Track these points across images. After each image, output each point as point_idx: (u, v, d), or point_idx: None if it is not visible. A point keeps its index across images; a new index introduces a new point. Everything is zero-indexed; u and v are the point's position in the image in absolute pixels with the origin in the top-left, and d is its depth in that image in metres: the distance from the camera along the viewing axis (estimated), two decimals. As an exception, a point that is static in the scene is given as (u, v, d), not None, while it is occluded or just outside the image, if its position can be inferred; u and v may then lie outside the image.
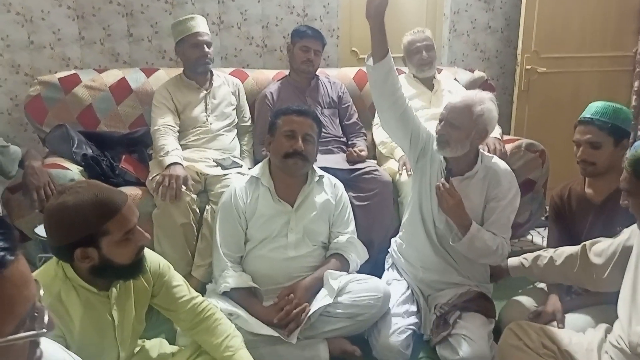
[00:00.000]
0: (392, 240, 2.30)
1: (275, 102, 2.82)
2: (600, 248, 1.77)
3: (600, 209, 1.97)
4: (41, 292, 0.77)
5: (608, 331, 1.66)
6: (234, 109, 2.84)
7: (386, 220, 2.52)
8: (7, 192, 2.31)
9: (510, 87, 3.78)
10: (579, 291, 2.00)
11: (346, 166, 2.58)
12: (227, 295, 1.98)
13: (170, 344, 1.74)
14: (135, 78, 2.95)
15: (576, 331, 1.75)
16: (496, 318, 2.02)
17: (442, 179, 1.93)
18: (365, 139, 2.95)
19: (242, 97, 2.92)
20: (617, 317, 1.63)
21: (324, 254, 2.13)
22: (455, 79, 3.19)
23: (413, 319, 2.00)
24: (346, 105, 2.97)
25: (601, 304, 1.86)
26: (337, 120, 2.93)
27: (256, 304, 1.98)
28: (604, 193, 1.96)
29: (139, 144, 2.73)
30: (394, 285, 2.09)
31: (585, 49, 3.64)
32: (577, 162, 2.00)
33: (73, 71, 2.94)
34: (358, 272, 2.16)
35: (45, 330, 0.75)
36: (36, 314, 0.75)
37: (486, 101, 1.93)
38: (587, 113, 1.98)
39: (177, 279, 1.61)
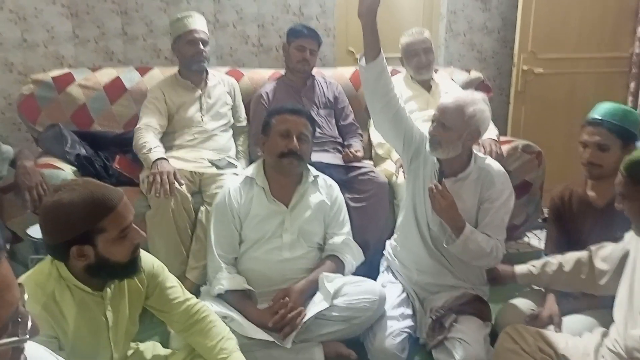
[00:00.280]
0: (387, 242, 2.28)
1: (271, 101, 2.80)
2: (605, 253, 1.76)
3: (602, 212, 1.94)
4: (25, 296, 0.75)
5: (605, 335, 1.66)
6: (229, 109, 2.81)
7: (382, 222, 2.51)
8: (-2, 192, 2.28)
9: (506, 88, 3.77)
10: (575, 294, 1.98)
11: (341, 162, 2.56)
12: (222, 297, 1.96)
13: (163, 346, 1.72)
14: (130, 77, 2.92)
15: (573, 335, 1.74)
16: (492, 321, 2.00)
17: (435, 181, 1.92)
18: (361, 140, 2.93)
19: (238, 97, 2.90)
20: (613, 321, 1.62)
21: (319, 256, 2.12)
22: (451, 80, 3.18)
23: (408, 322, 1.98)
24: (342, 105, 2.95)
25: (598, 307, 1.85)
26: (333, 121, 2.91)
27: (250, 306, 1.96)
28: (606, 196, 1.91)
29: (133, 144, 2.70)
30: (389, 288, 2.08)
31: (582, 50, 3.63)
32: (582, 164, 1.95)
33: (67, 70, 2.91)
34: (353, 273, 2.15)
35: (28, 336, 0.73)
36: (20, 319, 0.73)
37: (478, 102, 1.91)
38: (595, 114, 1.93)
39: (171, 280, 1.60)
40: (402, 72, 3.04)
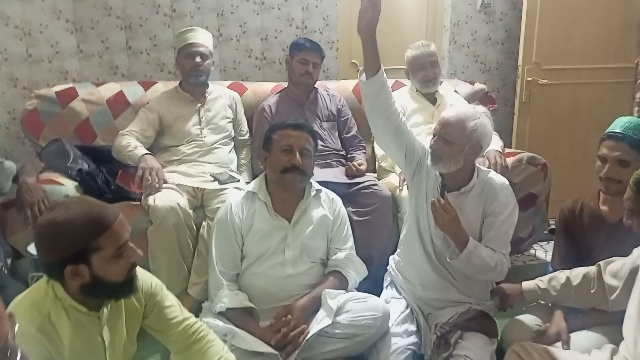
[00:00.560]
0: (390, 257, 2.26)
1: (274, 115, 2.80)
2: (615, 268, 1.71)
3: (615, 227, 1.89)
4: (16, 327, 0.74)
5: (614, 352, 1.62)
6: (229, 122, 2.81)
7: (385, 236, 2.48)
8: (0, 208, 2.28)
9: (511, 99, 3.75)
10: (584, 310, 1.94)
11: (345, 180, 2.55)
12: (223, 315, 1.94)
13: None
14: (133, 91, 2.93)
15: (581, 352, 1.70)
16: (498, 337, 1.97)
17: (438, 195, 1.89)
18: (365, 152, 2.92)
19: (240, 111, 2.90)
20: (623, 338, 1.58)
21: (322, 271, 2.09)
22: (455, 91, 3.16)
23: (413, 339, 1.95)
24: (345, 118, 2.94)
25: (607, 323, 1.81)
26: (337, 134, 2.90)
27: (252, 324, 1.93)
28: (620, 211, 1.82)
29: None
30: (393, 304, 2.05)
31: (587, 60, 3.61)
32: (599, 178, 1.89)
33: (70, 85, 2.92)
34: (357, 288, 2.12)
35: None
36: (9, 354, 0.72)
37: (480, 116, 1.89)
38: (616, 127, 1.86)
39: (170, 299, 1.58)
40: (407, 85, 3.02)
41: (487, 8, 3.68)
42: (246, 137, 2.90)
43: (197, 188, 2.47)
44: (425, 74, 2.84)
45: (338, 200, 2.19)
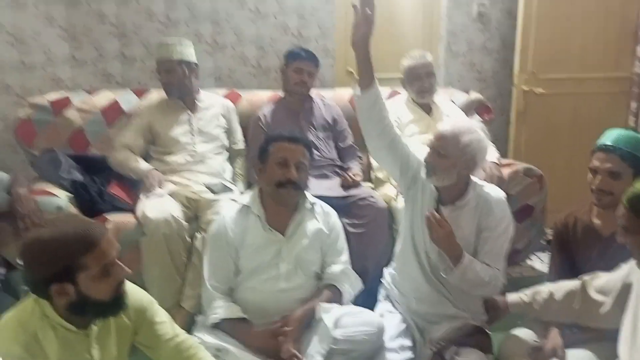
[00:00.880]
0: (385, 270, 2.24)
1: (269, 123, 2.79)
2: (600, 283, 1.71)
3: (608, 241, 1.88)
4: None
5: (609, 370, 1.61)
6: (223, 131, 2.78)
7: (381, 248, 2.47)
8: (-8, 219, 2.25)
9: (507, 109, 3.74)
10: (580, 325, 1.92)
11: (341, 193, 2.53)
12: (217, 326, 1.91)
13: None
14: (127, 99, 2.91)
15: (577, 369, 1.69)
16: (494, 353, 1.95)
17: (432, 210, 1.88)
18: (361, 162, 2.90)
19: (234, 120, 2.87)
20: (617, 356, 1.57)
21: (317, 285, 2.07)
22: (451, 101, 3.15)
23: (408, 354, 1.92)
24: (341, 128, 2.93)
25: (603, 339, 1.79)
26: (332, 143, 2.89)
27: (247, 332, 1.90)
28: (613, 225, 1.81)
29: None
30: (387, 318, 2.03)
31: (583, 70, 3.61)
32: (591, 191, 1.89)
33: (64, 93, 2.90)
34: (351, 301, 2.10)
35: None
36: None
37: (475, 131, 1.88)
38: (607, 140, 1.86)
39: (161, 315, 1.55)
40: (403, 94, 3.01)
41: (483, 17, 3.68)
42: (241, 146, 2.87)
43: (192, 199, 2.44)
44: (421, 84, 2.83)
45: (333, 213, 2.17)
